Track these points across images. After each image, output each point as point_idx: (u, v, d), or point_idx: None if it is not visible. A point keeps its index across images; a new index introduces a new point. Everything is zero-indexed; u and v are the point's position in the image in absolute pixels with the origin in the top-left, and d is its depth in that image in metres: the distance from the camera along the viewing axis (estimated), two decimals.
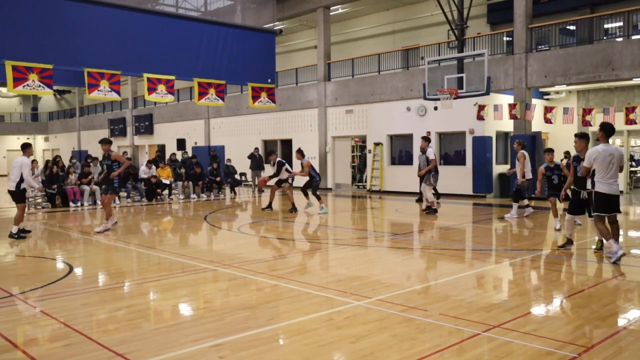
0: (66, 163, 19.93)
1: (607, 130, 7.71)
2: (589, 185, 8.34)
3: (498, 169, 18.80)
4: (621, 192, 18.95)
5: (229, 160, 22.72)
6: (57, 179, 16.60)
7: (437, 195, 15.85)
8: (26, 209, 16.29)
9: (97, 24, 13.55)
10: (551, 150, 10.95)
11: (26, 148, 10.90)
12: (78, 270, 7.75)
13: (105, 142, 11.51)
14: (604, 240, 7.90)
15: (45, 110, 48.06)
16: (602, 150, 7.54)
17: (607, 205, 7.64)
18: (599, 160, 7.54)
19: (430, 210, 13.82)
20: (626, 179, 19.48)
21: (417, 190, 17.80)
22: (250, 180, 23.21)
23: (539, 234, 10.70)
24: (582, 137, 8.51)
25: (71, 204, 16.48)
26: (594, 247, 8.61)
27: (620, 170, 7.73)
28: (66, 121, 43.82)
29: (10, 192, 10.49)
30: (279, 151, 25.45)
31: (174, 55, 14.92)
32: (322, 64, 23.54)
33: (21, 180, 10.35)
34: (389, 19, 25.37)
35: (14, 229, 10.51)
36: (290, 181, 14.86)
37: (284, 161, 15.11)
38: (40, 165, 20.82)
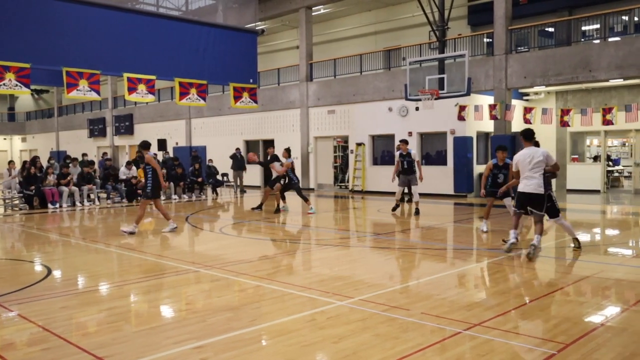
0: (44, 164, 19.66)
1: (525, 135, 8.40)
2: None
3: (479, 169, 18.95)
4: (601, 189, 19.28)
5: (210, 160, 22.61)
6: (35, 180, 16.36)
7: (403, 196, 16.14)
8: (2, 210, 16.12)
9: (76, 23, 13.37)
10: (504, 148, 10.80)
11: None
12: (57, 273, 7.65)
13: (142, 146, 11.21)
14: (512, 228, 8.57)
15: (22, 110, 47.32)
16: (521, 155, 8.32)
17: (522, 201, 8.31)
18: (520, 162, 8.30)
19: (396, 207, 14.37)
20: (603, 178, 19.78)
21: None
22: (232, 181, 23.11)
23: (520, 234, 10.80)
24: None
25: (49, 205, 16.25)
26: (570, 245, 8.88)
27: (556, 168, 8.40)
28: (44, 121, 43.21)
29: None
30: (260, 151, 25.41)
31: (155, 54, 14.79)
32: (304, 64, 23.54)
33: None
34: (371, 19, 25.47)
35: None
36: (282, 182, 14.59)
37: (278, 157, 15.01)
38: (18, 166, 20.52)
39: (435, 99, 15.34)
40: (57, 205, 16.37)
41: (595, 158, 20.95)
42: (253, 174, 25.23)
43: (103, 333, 4.97)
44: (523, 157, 8.24)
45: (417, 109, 18.64)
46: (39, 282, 6.99)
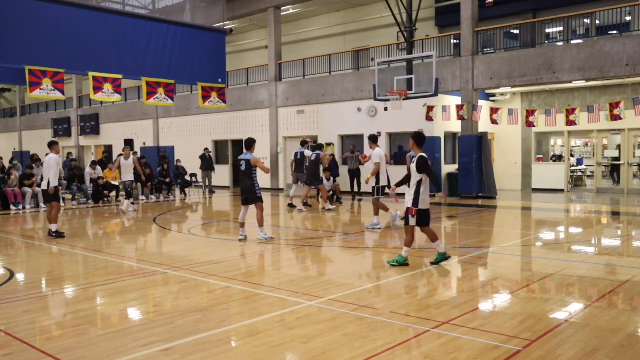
0: (6, 164, 19.15)
1: (373, 139, 11.55)
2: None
3: (447, 168, 19.21)
4: (564, 188, 19.74)
5: (178, 161, 22.34)
6: None
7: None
8: None
9: (39, 20, 13.06)
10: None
11: None
12: (20, 276, 7.46)
13: None
14: (374, 214, 11.46)
15: None
16: (378, 152, 11.23)
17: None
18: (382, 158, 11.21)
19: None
20: (566, 177, 20.23)
21: (369, 190, 18.02)
22: (200, 182, 22.89)
23: (485, 232, 10.99)
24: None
25: (12, 207, 15.84)
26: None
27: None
28: (6, 121, 42.11)
29: None
30: (230, 151, 25.25)
31: (121, 53, 14.55)
32: (273, 64, 23.47)
33: None
34: (340, 20, 25.53)
35: None
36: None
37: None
38: None
39: (404, 99, 15.46)
40: (20, 207, 15.96)
41: (560, 158, 21.43)
42: (222, 175, 25.05)
43: (68, 337, 4.87)
44: (381, 155, 11.23)
45: (385, 109, 18.78)
46: (1, 285, 6.81)
